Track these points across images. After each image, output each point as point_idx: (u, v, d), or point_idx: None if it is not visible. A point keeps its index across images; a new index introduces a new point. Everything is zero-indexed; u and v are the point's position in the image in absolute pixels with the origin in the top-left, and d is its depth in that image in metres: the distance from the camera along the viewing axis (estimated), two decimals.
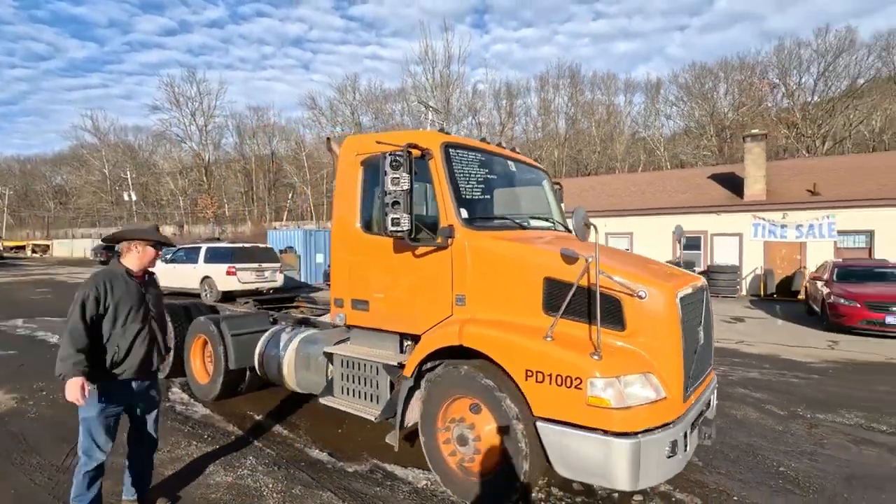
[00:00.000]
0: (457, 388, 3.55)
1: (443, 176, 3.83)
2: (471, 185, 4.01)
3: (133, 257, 3.08)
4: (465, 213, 3.79)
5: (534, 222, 4.51)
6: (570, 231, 4.80)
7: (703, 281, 3.92)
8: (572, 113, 53.14)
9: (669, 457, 2.97)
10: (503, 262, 3.55)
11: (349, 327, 4.59)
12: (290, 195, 62.30)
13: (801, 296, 15.53)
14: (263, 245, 16.60)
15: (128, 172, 61.94)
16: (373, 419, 3.98)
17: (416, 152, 3.75)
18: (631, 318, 3.16)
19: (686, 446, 3.13)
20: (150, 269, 3.27)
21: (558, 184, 5.57)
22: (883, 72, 45.94)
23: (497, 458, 3.32)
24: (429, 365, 3.80)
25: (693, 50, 67.33)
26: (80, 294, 2.89)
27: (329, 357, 4.56)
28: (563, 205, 5.36)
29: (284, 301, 7.51)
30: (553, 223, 4.75)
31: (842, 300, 10.10)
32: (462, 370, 3.50)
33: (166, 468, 3.97)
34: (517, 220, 4.29)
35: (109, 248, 40.53)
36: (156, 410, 3.29)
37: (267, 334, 5.41)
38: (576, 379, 2.93)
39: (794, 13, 59.35)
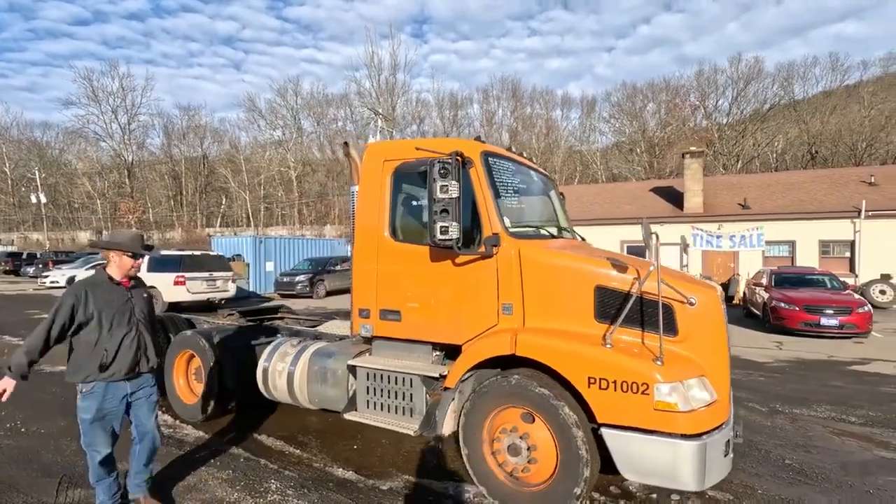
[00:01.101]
0: (506, 398, 3.53)
1: (485, 184, 3.82)
2: (507, 195, 4.03)
3: (113, 266, 3.24)
4: (507, 222, 3.80)
5: (550, 230, 4.59)
6: (583, 239, 4.94)
7: (720, 289, 4.17)
8: (514, 126, 54.81)
9: (725, 456, 3.12)
10: (554, 272, 3.58)
11: (370, 339, 4.44)
12: (224, 200, 59.21)
13: (736, 300, 16.92)
14: (214, 252, 15.61)
15: (36, 172, 56.15)
16: (411, 433, 3.86)
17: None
18: (682, 324, 3.30)
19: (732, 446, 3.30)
20: (137, 276, 3.44)
21: (562, 193, 5.73)
22: (784, 99, 51.42)
23: (554, 466, 3.33)
24: (465, 376, 3.77)
25: (619, 70, 72.03)
26: (58, 302, 3.06)
27: (352, 370, 4.38)
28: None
29: (266, 312, 7.10)
30: (568, 232, 4.86)
31: (782, 304, 11.12)
32: (512, 380, 3.49)
33: (185, 499, 3.62)
34: (543, 229, 4.36)
35: (16, 256, 36.38)
36: (154, 409, 3.40)
37: (269, 348, 5.09)
38: (642, 385, 3.01)
39: (706, 42, 65.17)
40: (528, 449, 3.42)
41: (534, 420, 3.44)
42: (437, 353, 4.14)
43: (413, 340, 4.16)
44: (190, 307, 14.21)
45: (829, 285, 12.10)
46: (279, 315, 7.14)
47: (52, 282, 23.12)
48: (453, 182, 3.51)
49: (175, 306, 13.98)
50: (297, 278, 18.92)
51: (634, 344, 3.33)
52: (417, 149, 3.86)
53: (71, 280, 22.22)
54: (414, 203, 4.24)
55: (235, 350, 5.27)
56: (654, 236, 3.12)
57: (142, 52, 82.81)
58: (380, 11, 78.94)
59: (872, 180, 18.12)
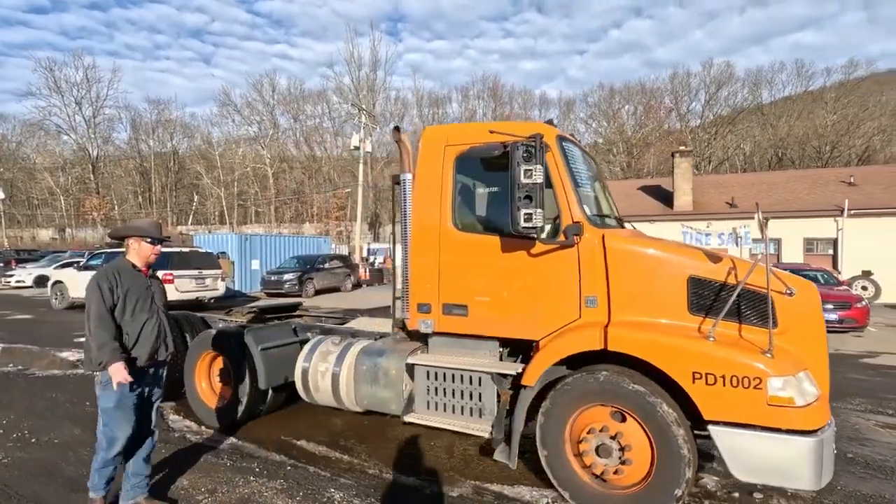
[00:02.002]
0: (592, 396, 3.33)
1: (563, 170, 3.62)
2: (579, 181, 3.84)
3: (133, 253, 3.24)
4: (588, 210, 3.61)
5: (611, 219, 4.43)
6: (633, 227, 4.80)
7: None
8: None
9: (835, 453, 3.01)
10: (643, 262, 3.41)
11: (424, 336, 4.18)
12: (195, 197, 57.32)
13: None
14: (203, 249, 14.93)
15: None
16: (486, 436, 3.63)
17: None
18: (782, 316, 3.18)
19: None
20: (153, 268, 3.45)
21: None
22: (753, 103, 53.14)
23: (651, 467, 3.16)
24: (506, 371, 3.58)
25: (591, 73, 73.13)
26: (93, 288, 3.03)
27: (409, 369, 4.11)
28: None
29: (284, 310, 6.71)
30: (620, 219, 4.71)
31: None
32: (600, 377, 3.30)
33: None
34: (609, 218, 4.18)
35: None
36: (156, 406, 3.40)
37: (308, 347, 4.75)
38: (755, 379, 2.86)
39: (674, 48, 66.97)
40: (621, 449, 3.24)
41: (625, 419, 3.26)
42: (502, 349, 3.94)
43: (477, 336, 3.93)
44: (178, 306, 13.53)
45: (822, 281, 12.40)
46: (297, 314, 6.77)
47: (17, 281, 21.82)
48: (538, 166, 3.29)
49: None
50: (286, 277, 18.33)
51: (733, 336, 3.19)
52: (491, 132, 3.62)
53: (39, 279, 21.00)
54: (481, 190, 4.01)
55: (267, 350, 4.91)
56: (765, 225, 2.97)
57: (104, 43, 79.42)
58: (354, 8, 78.03)
59: (852, 180, 18.80)
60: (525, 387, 3.53)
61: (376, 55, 49.53)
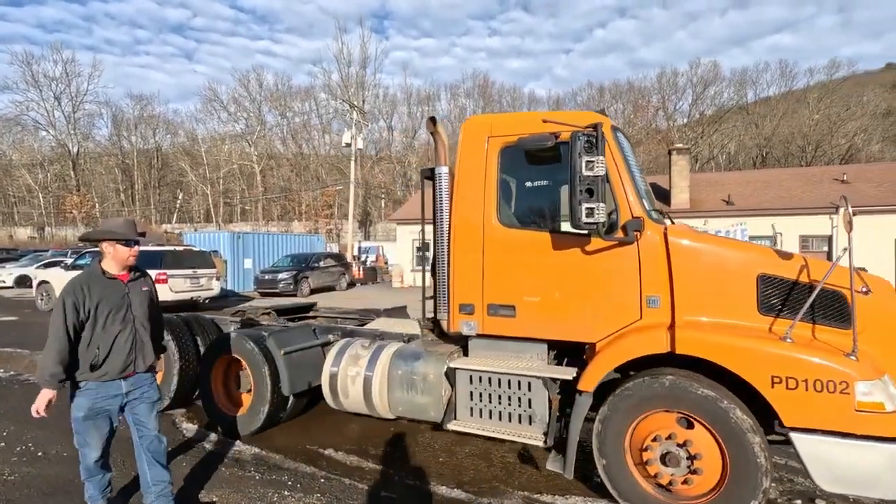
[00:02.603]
0: (656, 402, 3.14)
1: (620, 162, 3.42)
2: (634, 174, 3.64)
3: (108, 259, 3.02)
4: (646, 205, 3.42)
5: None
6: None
7: None
8: None
9: None
10: (710, 259, 3.23)
11: (462, 338, 3.96)
12: (179, 194, 56.16)
13: None
14: (197, 248, 14.47)
15: None
16: (539, 444, 3.43)
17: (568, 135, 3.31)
18: (859, 316, 3.02)
19: None
20: (136, 268, 3.17)
21: None
22: (738, 102, 53.83)
23: (722, 476, 2.98)
24: (562, 376, 3.39)
25: (576, 72, 73.31)
26: (60, 302, 2.88)
27: (449, 374, 3.88)
28: None
29: (297, 311, 6.42)
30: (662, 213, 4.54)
31: None
32: (665, 381, 3.11)
33: None
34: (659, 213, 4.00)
35: None
36: (153, 408, 3.17)
37: (336, 350, 4.49)
38: (841, 383, 2.70)
39: (657, 48, 67.65)
40: (691, 458, 3.05)
41: (692, 425, 3.08)
42: (548, 352, 3.74)
43: (523, 339, 3.72)
44: (172, 308, 13.10)
45: None
46: (312, 315, 6.49)
47: None
48: (600, 157, 3.09)
49: None
50: (280, 276, 17.93)
51: (807, 338, 3.02)
52: (545, 121, 3.41)
53: (21, 279, 20.24)
54: (530, 184, 3.80)
55: (290, 354, 4.64)
56: (850, 221, 2.80)
57: (83, 37, 77.42)
58: (340, 5, 77.23)
59: (845, 178, 19.03)
60: (581, 392, 3.34)
61: (366, 51, 49.06)
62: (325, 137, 55.50)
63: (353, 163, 31.17)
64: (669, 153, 20.46)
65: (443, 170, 4.14)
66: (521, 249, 3.62)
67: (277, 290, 17.78)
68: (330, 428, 4.98)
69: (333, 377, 4.37)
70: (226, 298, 16.61)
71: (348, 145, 30.25)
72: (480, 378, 3.74)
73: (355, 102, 32.37)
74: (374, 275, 26.15)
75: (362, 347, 4.41)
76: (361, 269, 24.78)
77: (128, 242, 3.02)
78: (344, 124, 52.51)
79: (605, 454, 3.30)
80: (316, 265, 19.51)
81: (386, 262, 30.33)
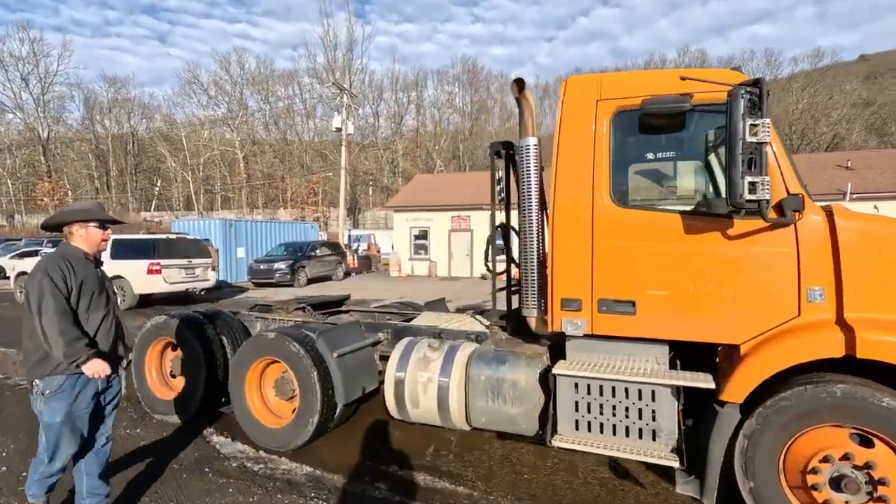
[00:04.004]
0: (823, 415, 2.63)
1: (772, 127, 2.85)
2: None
3: (79, 242, 2.74)
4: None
5: None
6: None
7: None
8: (473, 109, 53.91)
9: None
10: (890, 246, 2.70)
11: (551, 337, 3.40)
12: (157, 181, 54.14)
13: None
14: (191, 236, 13.56)
15: None
16: (675, 465, 2.88)
17: (714, 96, 2.76)
18: None
19: None
20: (98, 259, 2.89)
21: None
22: None
23: None
24: (701, 385, 2.86)
25: (559, 60, 72.56)
26: (42, 278, 2.53)
27: (545, 380, 3.32)
28: None
29: (330, 305, 5.76)
30: None
31: None
32: (836, 390, 2.59)
33: None
34: None
35: None
36: (116, 407, 2.94)
37: (399, 353, 3.88)
38: None
39: (640, 37, 67.38)
40: (873, 484, 2.55)
41: (870, 443, 2.58)
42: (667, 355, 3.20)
43: (635, 339, 3.17)
44: (165, 300, 12.26)
45: None
46: (344, 310, 5.84)
47: None
48: (765, 121, 2.53)
49: (145, 299, 11.98)
50: (276, 265, 17.09)
51: None
52: (683, 78, 2.82)
53: None
54: (654, 156, 3.22)
55: (343, 356, 4.01)
56: None
57: (49, 16, 73.47)
58: None
59: (849, 164, 18.96)
60: (724, 403, 2.81)
61: (352, 34, 47.56)
62: (308, 123, 54.05)
63: (343, 148, 30.11)
64: None
65: (530, 141, 3.54)
66: (641, 234, 3.05)
67: (273, 281, 16.97)
68: (375, 438, 4.39)
69: (399, 384, 3.76)
70: (220, 290, 15.76)
71: (338, 130, 29.22)
72: (589, 386, 3.18)
73: (345, 86, 31.15)
74: (369, 264, 25.42)
75: (430, 349, 3.81)
76: (356, 258, 24.00)
77: (101, 224, 2.78)
78: (329, 109, 51.37)
79: (752, 475, 2.78)
80: (312, 254, 18.71)
81: (378, 251, 29.59)
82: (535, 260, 3.52)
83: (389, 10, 78.53)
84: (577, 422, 3.22)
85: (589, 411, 3.19)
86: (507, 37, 76.10)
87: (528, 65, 77.66)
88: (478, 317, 4.98)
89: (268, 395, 4.35)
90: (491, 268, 4.28)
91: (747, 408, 2.79)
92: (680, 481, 2.97)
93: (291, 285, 17.10)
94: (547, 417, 3.41)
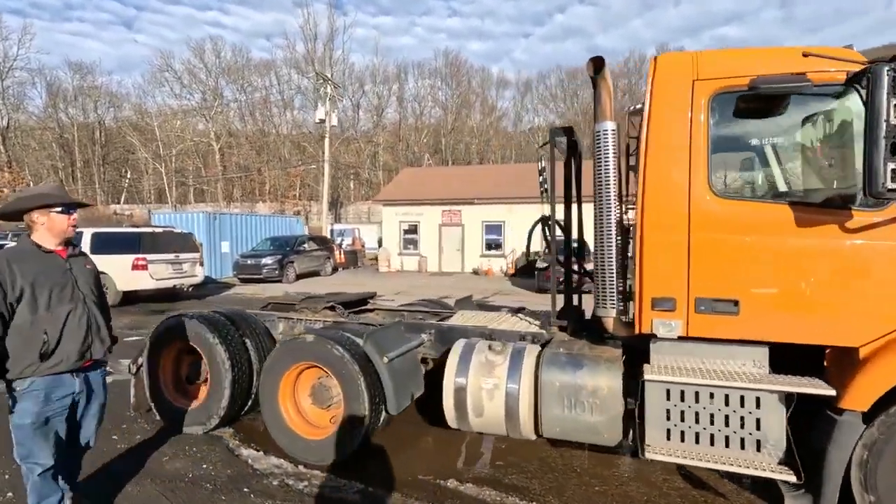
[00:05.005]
0: None
1: None
2: None
3: (41, 232, 2.54)
4: None
5: None
6: None
7: None
8: (455, 102, 53.47)
9: None
10: None
11: (653, 339, 3.11)
12: (127, 173, 51.99)
13: None
14: (179, 230, 12.85)
15: None
16: (792, 479, 2.64)
17: (830, 76, 2.53)
18: None
19: None
20: (73, 244, 2.71)
21: None
22: None
23: None
24: (820, 392, 2.64)
25: (535, 56, 72.40)
26: None
27: (631, 386, 3.05)
28: None
29: (357, 304, 5.36)
30: None
31: None
32: None
33: None
34: None
35: None
36: (100, 411, 2.76)
37: (457, 356, 3.55)
38: None
39: (614, 35, 68.06)
40: None
41: None
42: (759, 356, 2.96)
43: (730, 341, 2.92)
44: (153, 297, 11.59)
45: None
46: (371, 308, 5.46)
47: None
48: None
49: (130, 297, 11.29)
50: (264, 261, 16.45)
51: None
52: (807, 55, 2.56)
53: None
54: (759, 142, 2.96)
55: (392, 361, 3.67)
56: None
57: None
58: None
59: None
60: (843, 411, 2.59)
61: (333, 24, 46.47)
62: (286, 115, 52.68)
63: (326, 140, 29.33)
64: None
65: (608, 126, 3.25)
66: (746, 227, 2.79)
67: (261, 276, 16.35)
68: (414, 447, 4.09)
69: (461, 391, 3.43)
70: (204, 286, 15.05)
71: (322, 121, 28.49)
72: (682, 393, 2.92)
73: (328, 76, 30.34)
74: (355, 259, 24.87)
75: (493, 352, 3.50)
76: (343, 253, 23.43)
77: (65, 209, 2.55)
78: (308, 101, 50.18)
79: (873, 489, 2.58)
80: (300, 249, 18.12)
81: (363, 246, 29.04)
82: (613, 256, 3.24)
83: (366, 2, 76.91)
84: (668, 431, 2.96)
85: (682, 420, 2.93)
86: (485, 32, 75.58)
87: (503, 60, 77.33)
88: (520, 315, 4.69)
89: (303, 404, 3.97)
90: (549, 263, 3.96)
91: (866, 416, 2.58)
92: (788, 495, 2.73)
93: (280, 281, 16.52)
94: (627, 426, 3.16)
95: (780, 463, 2.74)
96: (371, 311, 5.45)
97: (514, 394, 3.30)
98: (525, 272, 18.81)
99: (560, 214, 4.04)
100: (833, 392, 2.60)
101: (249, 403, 4.34)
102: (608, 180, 3.24)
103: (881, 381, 2.50)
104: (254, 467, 3.68)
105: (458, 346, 3.62)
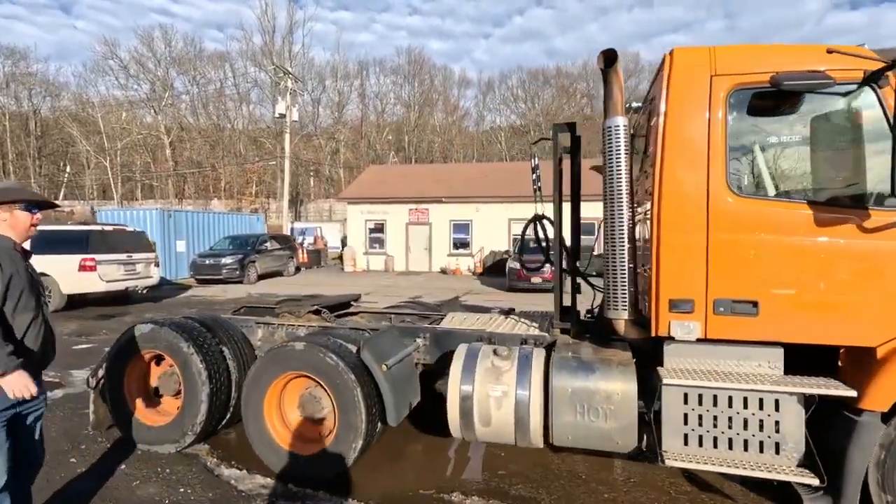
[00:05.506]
0: None
1: None
2: None
3: (3, 230, 2.35)
4: None
5: None
6: None
7: None
8: (418, 101, 53.08)
9: None
10: None
11: (666, 341, 3.02)
12: (65, 166, 48.65)
13: None
14: (131, 228, 11.97)
15: None
16: (815, 482, 2.61)
17: (847, 74, 2.54)
18: None
19: None
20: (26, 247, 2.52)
21: None
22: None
23: None
24: (840, 393, 2.64)
25: (495, 57, 73.00)
26: None
27: (647, 391, 2.96)
28: None
29: (341, 307, 5.06)
30: None
31: None
32: None
33: None
34: None
35: None
36: (40, 426, 2.54)
37: (460, 361, 3.35)
38: None
39: (570, 38, 69.64)
40: None
41: None
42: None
43: (747, 342, 2.88)
44: (101, 301, 10.76)
45: None
46: (355, 312, 5.19)
47: None
48: None
49: (76, 300, 10.44)
50: (224, 260, 15.68)
51: None
52: (831, 52, 2.52)
53: None
54: (775, 139, 2.92)
55: (390, 369, 3.44)
56: None
57: None
58: None
59: None
60: (862, 412, 2.58)
61: (293, 16, 45.14)
62: (242, 109, 50.75)
63: (287, 135, 28.42)
64: None
65: (619, 122, 3.14)
66: (766, 227, 2.74)
67: (221, 277, 15.58)
68: (407, 459, 3.88)
69: (467, 399, 3.24)
70: (159, 287, 14.18)
71: (282, 116, 27.60)
72: (701, 396, 2.85)
73: (289, 69, 29.33)
74: (318, 258, 24.19)
75: (498, 357, 3.33)
76: (306, 252, 22.72)
77: (29, 206, 2.39)
78: (265, 95, 48.52)
79: (891, 489, 2.59)
80: (262, 248, 17.40)
81: (326, 245, 28.31)
82: (624, 256, 3.14)
83: None
84: (686, 436, 2.88)
85: (700, 424, 2.86)
86: (445, 31, 75.37)
87: (464, 60, 77.49)
88: (513, 317, 4.55)
89: (290, 417, 3.68)
90: (560, 267, 3.81)
91: (885, 416, 2.58)
92: (807, 497, 2.71)
93: (241, 282, 15.81)
94: (641, 432, 3.07)
95: (799, 465, 2.71)
96: (355, 314, 5.18)
97: (524, 401, 3.14)
98: (493, 271, 18.84)
99: (550, 213, 3.92)
100: (854, 393, 2.58)
101: (227, 417, 4.00)
102: (620, 178, 3.13)
103: None
104: (238, 488, 3.36)
105: (461, 352, 3.43)
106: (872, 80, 2.56)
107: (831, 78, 2.54)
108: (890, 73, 2.54)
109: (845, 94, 2.64)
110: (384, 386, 3.34)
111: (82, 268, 9.96)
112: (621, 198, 3.14)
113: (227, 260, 15.66)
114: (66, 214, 20.64)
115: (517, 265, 14.31)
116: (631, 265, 3.16)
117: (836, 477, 2.62)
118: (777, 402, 2.75)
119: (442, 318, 4.56)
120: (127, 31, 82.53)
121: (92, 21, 67.77)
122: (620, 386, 3.03)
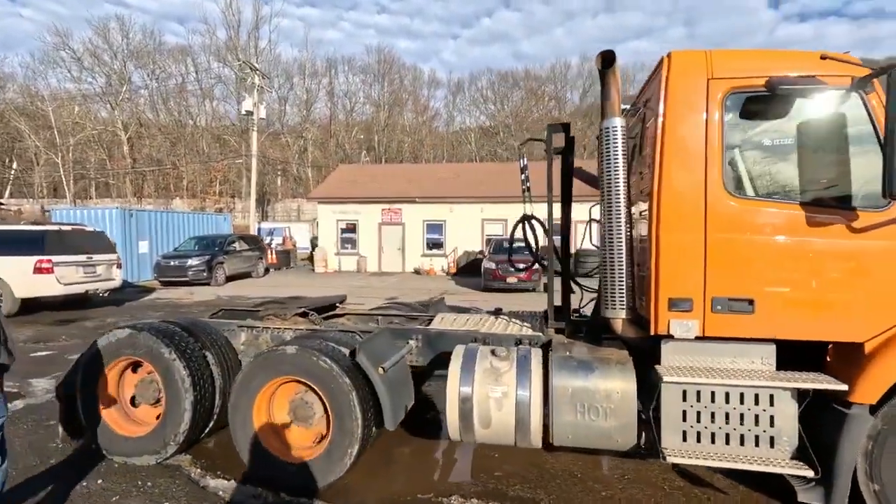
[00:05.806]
0: None
1: None
2: None
3: None
4: None
5: None
6: None
7: None
8: (388, 100, 52.70)
9: None
10: None
11: (663, 340, 3.06)
12: (11, 162, 45.93)
13: None
14: (91, 228, 11.35)
15: None
16: (809, 474, 2.69)
17: (838, 80, 2.65)
18: None
19: None
20: None
21: None
22: (624, 96, 58.43)
23: None
24: (833, 387, 2.75)
25: (463, 58, 73.50)
26: None
27: (647, 389, 3.00)
28: None
29: (327, 309, 4.91)
30: None
31: None
32: None
33: None
34: None
35: None
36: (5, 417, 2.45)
37: (459, 362, 3.30)
38: None
39: (537, 41, 70.93)
40: None
41: None
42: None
43: (741, 339, 2.95)
44: (58, 304, 10.17)
45: None
46: (341, 313, 5.06)
47: None
48: None
49: (30, 304, 9.84)
50: (190, 262, 15.11)
51: None
52: (825, 58, 2.61)
53: None
54: (769, 142, 2.99)
55: (386, 372, 3.36)
56: None
57: None
58: None
59: None
60: (852, 405, 2.68)
61: (259, 11, 44.04)
62: (205, 105, 49.19)
63: (254, 133, 27.64)
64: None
65: (617, 122, 3.16)
66: (762, 227, 2.82)
67: (187, 279, 15.01)
68: (400, 462, 3.82)
69: (466, 400, 3.20)
70: (121, 290, 13.53)
71: (248, 113, 26.82)
72: (699, 393, 2.90)
73: (256, 65, 28.59)
74: (288, 259, 23.67)
75: (497, 357, 3.30)
76: (275, 253, 22.19)
77: None
78: (229, 91, 47.20)
79: (877, 478, 2.70)
80: (230, 249, 16.87)
81: (295, 245, 27.73)
82: (622, 256, 3.16)
83: None
84: (684, 433, 2.93)
85: (698, 420, 2.91)
86: (414, 31, 75.10)
87: (432, 60, 77.54)
88: (503, 317, 4.54)
89: (280, 423, 3.55)
90: (547, 266, 3.84)
91: (872, 409, 2.69)
92: (800, 488, 2.80)
93: (208, 284, 15.28)
94: (639, 430, 3.10)
95: (793, 458, 2.80)
96: (342, 315, 5.06)
97: (525, 402, 3.12)
98: (467, 271, 18.88)
99: (543, 214, 3.94)
100: (846, 387, 2.68)
101: (211, 425, 3.83)
102: (617, 178, 3.15)
103: (889, 374, 2.60)
104: (226, 500, 3.22)
105: (458, 353, 3.38)
106: (860, 86, 2.67)
107: (824, 83, 2.63)
108: (875, 80, 2.66)
109: (836, 99, 2.74)
110: (381, 389, 3.25)
111: (38, 270, 9.39)
112: (619, 198, 3.16)
113: (193, 261, 15.10)
114: (14, 213, 19.47)
115: (493, 265, 14.40)
116: (628, 265, 3.20)
117: (827, 468, 2.71)
118: (772, 397, 2.83)
119: (431, 320, 4.50)
120: (79, 20, 78.60)
121: (40, 10, 64.07)
122: (620, 384, 3.05)
